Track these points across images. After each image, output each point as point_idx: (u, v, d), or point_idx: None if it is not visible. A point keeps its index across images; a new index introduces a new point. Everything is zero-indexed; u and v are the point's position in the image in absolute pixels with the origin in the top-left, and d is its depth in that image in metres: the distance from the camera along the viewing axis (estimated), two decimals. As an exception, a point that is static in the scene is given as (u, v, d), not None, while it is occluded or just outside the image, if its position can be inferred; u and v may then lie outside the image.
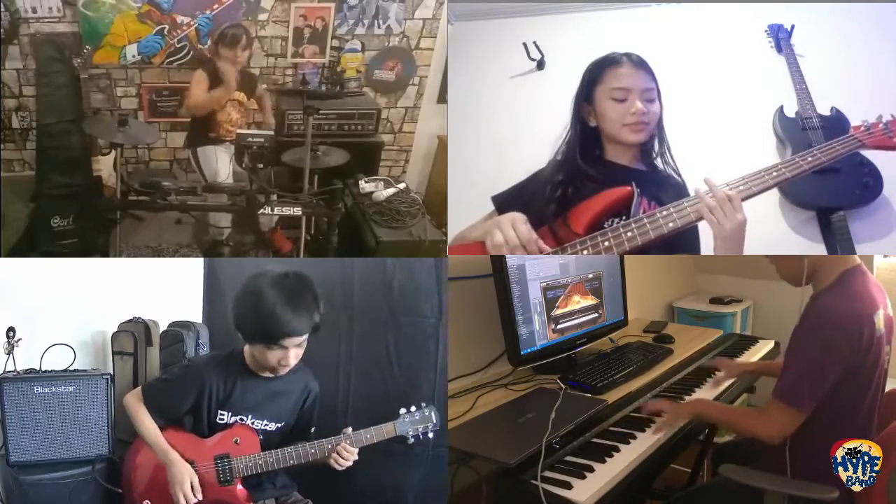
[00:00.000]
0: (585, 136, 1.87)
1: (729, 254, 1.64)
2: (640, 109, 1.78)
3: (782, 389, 1.67)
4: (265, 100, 3.50)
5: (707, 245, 1.84)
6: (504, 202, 1.89)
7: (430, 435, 1.84)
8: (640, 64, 1.83)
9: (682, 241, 1.79)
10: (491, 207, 1.93)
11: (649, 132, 1.83)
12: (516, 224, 1.62)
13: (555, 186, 1.81)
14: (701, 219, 1.67)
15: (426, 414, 1.83)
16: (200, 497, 1.72)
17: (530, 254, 1.61)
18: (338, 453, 1.76)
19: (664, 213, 1.67)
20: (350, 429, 1.79)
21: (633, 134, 1.80)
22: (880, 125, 1.90)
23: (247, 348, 1.82)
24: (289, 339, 1.72)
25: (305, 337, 1.76)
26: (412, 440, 1.83)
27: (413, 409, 1.84)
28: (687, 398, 2.12)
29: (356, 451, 1.78)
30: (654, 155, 1.89)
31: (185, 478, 1.71)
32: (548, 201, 1.78)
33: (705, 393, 2.19)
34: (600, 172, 1.82)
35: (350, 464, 1.77)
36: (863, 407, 1.69)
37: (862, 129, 1.91)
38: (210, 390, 1.80)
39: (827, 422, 1.66)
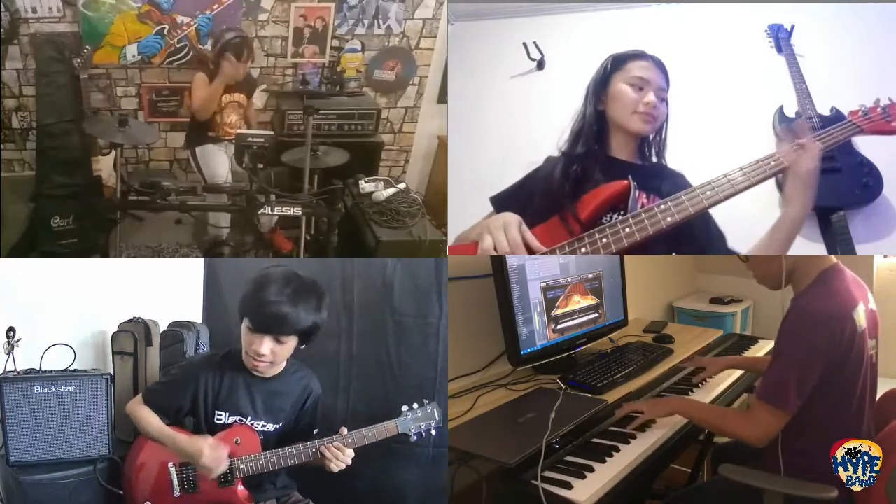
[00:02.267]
0: (596, 124, 1.88)
1: (802, 195, 1.68)
2: (653, 101, 1.82)
3: (765, 390, 1.67)
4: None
5: (731, 238, 1.84)
6: (502, 202, 1.89)
7: (433, 432, 1.84)
8: (660, 66, 1.89)
9: (697, 234, 1.79)
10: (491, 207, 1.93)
11: (654, 128, 1.87)
12: (508, 228, 1.60)
13: (560, 177, 1.81)
14: (709, 207, 1.67)
15: (429, 411, 1.83)
16: (227, 464, 1.72)
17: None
18: (329, 453, 1.74)
19: (661, 207, 1.66)
20: (345, 429, 1.78)
21: (641, 123, 1.83)
22: (878, 109, 1.89)
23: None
24: (273, 330, 1.71)
25: (291, 339, 1.75)
26: (414, 438, 1.82)
27: (415, 406, 1.83)
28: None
29: (351, 451, 1.76)
30: (653, 156, 1.91)
31: (205, 448, 1.70)
32: (551, 193, 1.79)
33: (700, 397, 2.14)
34: (603, 166, 1.83)
35: (344, 464, 1.75)
36: (852, 404, 1.68)
37: (860, 114, 1.90)
38: (206, 388, 1.79)
39: (816, 422, 1.66)
